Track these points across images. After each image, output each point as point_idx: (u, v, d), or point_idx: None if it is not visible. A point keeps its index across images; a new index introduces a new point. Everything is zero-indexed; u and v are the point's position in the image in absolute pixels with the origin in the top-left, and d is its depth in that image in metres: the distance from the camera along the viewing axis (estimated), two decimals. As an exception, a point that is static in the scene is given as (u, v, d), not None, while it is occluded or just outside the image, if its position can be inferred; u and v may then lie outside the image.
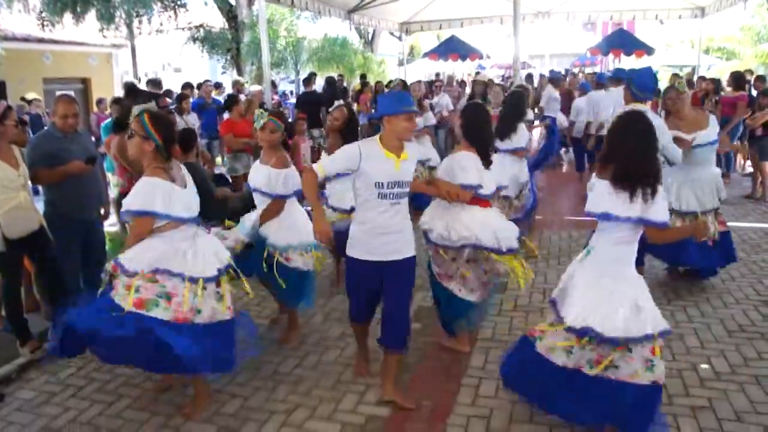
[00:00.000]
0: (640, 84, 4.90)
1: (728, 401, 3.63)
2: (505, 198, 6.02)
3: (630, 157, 3.01)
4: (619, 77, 8.34)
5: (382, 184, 3.40)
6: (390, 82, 8.84)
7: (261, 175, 4.31)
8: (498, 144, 5.83)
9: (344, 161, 3.41)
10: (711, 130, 5.08)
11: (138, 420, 3.59)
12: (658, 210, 2.99)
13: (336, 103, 5.43)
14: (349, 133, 5.09)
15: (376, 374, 3.99)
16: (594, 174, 3.29)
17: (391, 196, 3.44)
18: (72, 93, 15.91)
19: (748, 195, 8.93)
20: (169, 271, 3.32)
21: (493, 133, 4.39)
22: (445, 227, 4.03)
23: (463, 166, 4.01)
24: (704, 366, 4.06)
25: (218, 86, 13.18)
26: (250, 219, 4.46)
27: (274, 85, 14.28)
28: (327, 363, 4.25)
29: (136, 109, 3.54)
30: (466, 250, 4.05)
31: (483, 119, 4.15)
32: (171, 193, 3.37)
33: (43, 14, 16.02)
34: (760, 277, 5.70)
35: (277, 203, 4.32)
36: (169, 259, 3.35)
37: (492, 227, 4.03)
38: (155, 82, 9.87)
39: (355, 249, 3.59)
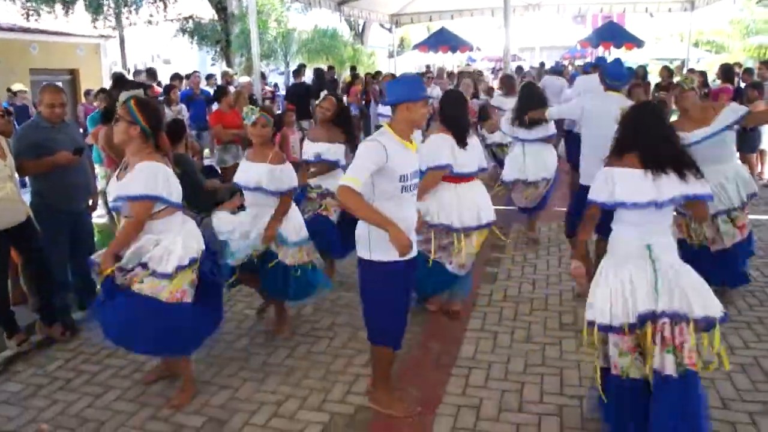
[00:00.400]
0: (612, 73, 5.01)
1: (715, 389, 3.66)
2: (533, 184, 6.38)
3: (658, 142, 3.03)
4: (599, 65, 8.39)
5: (406, 176, 3.19)
6: (377, 73, 8.79)
7: (256, 173, 4.21)
8: (526, 133, 6.32)
9: (373, 163, 3.08)
10: (714, 125, 4.50)
11: (127, 411, 3.57)
12: (702, 184, 3.00)
13: (322, 94, 5.40)
14: (341, 122, 5.09)
15: (366, 365, 4.01)
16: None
17: (412, 187, 3.26)
18: (60, 84, 15.85)
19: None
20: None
21: (468, 117, 4.75)
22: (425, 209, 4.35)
23: (434, 148, 4.30)
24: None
25: (209, 78, 13.08)
26: (240, 223, 4.31)
27: (263, 76, 14.19)
28: (317, 353, 4.24)
29: (123, 95, 3.49)
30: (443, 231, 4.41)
31: (459, 105, 4.51)
32: (170, 178, 3.37)
33: (29, 3, 15.83)
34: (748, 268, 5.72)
35: (288, 199, 4.30)
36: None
37: (472, 204, 4.45)
38: (150, 72, 9.78)
39: (380, 251, 3.19)
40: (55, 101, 4.60)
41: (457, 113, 4.43)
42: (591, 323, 3.06)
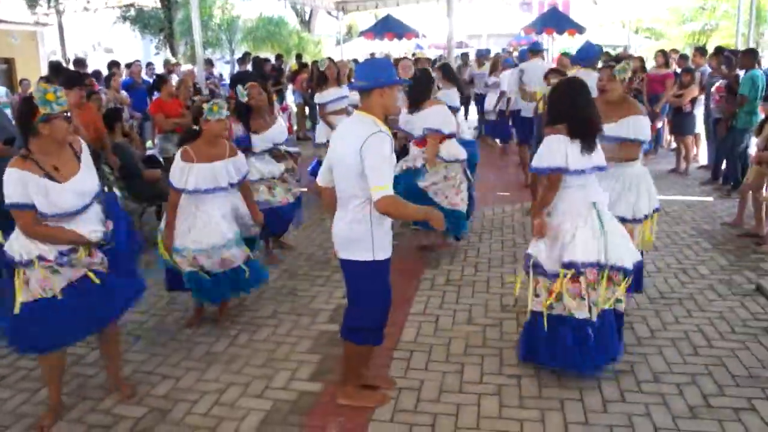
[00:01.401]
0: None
1: (647, 364, 3.81)
2: None
3: (583, 115, 3.51)
4: (535, 50, 8.67)
5: (394, 165, 3.08)
6: (315, 62, 8.72)
7: (215, 172, 4.15)
8: None
9: (392, 157, 3.03)
10: (615, 126, 4.17)
11: (67, 405, 3.50)
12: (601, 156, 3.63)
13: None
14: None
15: (309, 351, 4.04)
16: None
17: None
18: (-5, 73, 15.25)
19: (673, 169, 9.31)
20: None
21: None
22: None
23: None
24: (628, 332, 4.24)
25: (149, 66, 12.81)
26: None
27: (211, 64, 13.91)
28: (259, 341, 4.24)
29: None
30: None
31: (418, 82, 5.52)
32: None
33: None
34: (681, 247, 5.97)
35: (248, 184, 4.51)
36: None
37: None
38: (80, 62, 9.52)
39: (383, 249, 3.15)
40: None
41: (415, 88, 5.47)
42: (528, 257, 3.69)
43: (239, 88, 5.28)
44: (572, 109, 3.51)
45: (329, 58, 7.98)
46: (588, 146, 3.50)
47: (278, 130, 5.50)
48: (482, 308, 4.69)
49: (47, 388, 3.44)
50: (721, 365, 3.79)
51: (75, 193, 3.16)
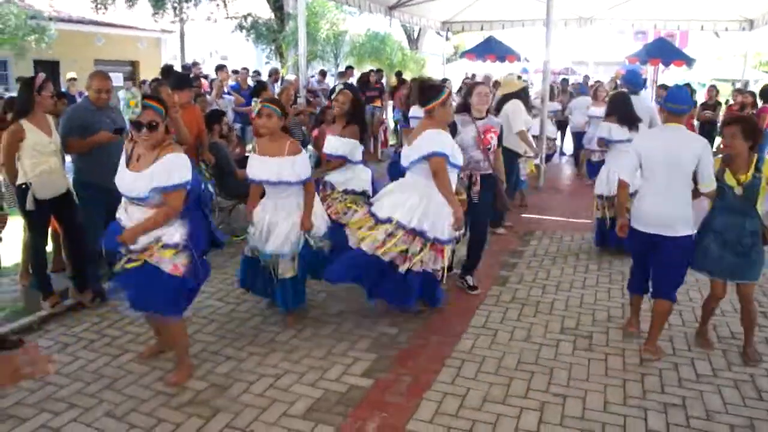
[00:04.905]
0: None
1: (702, 401, 3.73)
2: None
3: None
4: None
5: None
6: (415, 78, 8.98)
7: (275, 167, 4.32)
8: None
9: None
10: None
11: (139, 372, 3.88)
12: None
13: (337, 88, 5.64)
14: (355, 118, 5.37)
15: (366, 350, 4.23)
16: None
17: None
18: (121, 75, 16.61)
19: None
20: None
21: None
22: None
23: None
24: (686, 367, 4.15)
25: (255, 73, 13.49)
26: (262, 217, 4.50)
27: (323, 75, 14.46)
28: (321, 336, 4.48)
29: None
30: None
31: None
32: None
33: (97, -1, 16.65)
34: (765, 290, 5.71)
35: (312, 186, 4.48)
36: None
37: None
38: (185, 68, 10.24)
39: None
40: (102, 87, 4.98)
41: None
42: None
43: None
44: None
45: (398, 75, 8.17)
46: None
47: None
48: (542, 328, 4.72)
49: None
50: (787, 413, 3.65)
51: (130, 182, 3.54)
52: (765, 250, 4.15)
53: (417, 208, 4.40)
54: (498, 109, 6.47)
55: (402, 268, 4.40)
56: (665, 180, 4.11)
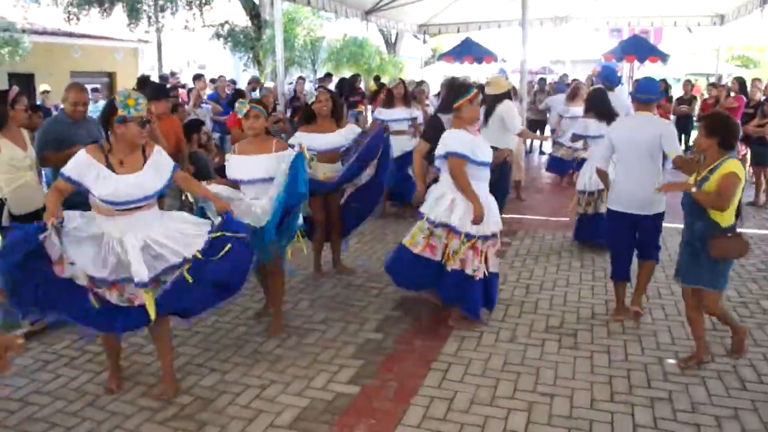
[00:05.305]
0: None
1: (687, 393, 3.75)
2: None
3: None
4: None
5: None
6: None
7: (262, 165, 4.33)
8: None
9: None
10: None
11: (123, 387, 3.83)
12: None
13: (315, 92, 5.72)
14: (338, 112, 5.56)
15: (352, 356, 4.21)
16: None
17: None
18: (98, 86, 16.45)
19: (751, 202, 8.97)
20: None
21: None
22: None
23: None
24: (670, 361, 4.18)
25: (231, 82, 13.41)
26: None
27: (303, 81, 14.39)
28: (306, 344, 4.45)
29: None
30: None
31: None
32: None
33: (69, 8, 16.49)
34: (745, 281, 5.78)
35: None
36: None
37: None
38: (164, 77, 10.18)
39: None
40: (78, 100, 4.93)
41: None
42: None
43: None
44: None
45: (399, 78, 8.21)
46: None
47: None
48: (527, 328, 4.72)
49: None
50: (771, 402, 3.68)
51: (127, 186, 3.44)
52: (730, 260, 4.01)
53: (445, 203, 4.52)
54: (488, 110, 6.47)
55: (449, 267, 4.51)
56: (636, 163, 4.51)
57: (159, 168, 3.63)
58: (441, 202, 4.54)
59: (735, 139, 3.95)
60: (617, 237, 4.78)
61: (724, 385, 3.85)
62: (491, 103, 6.63)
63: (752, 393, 3.77)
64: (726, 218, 3.85)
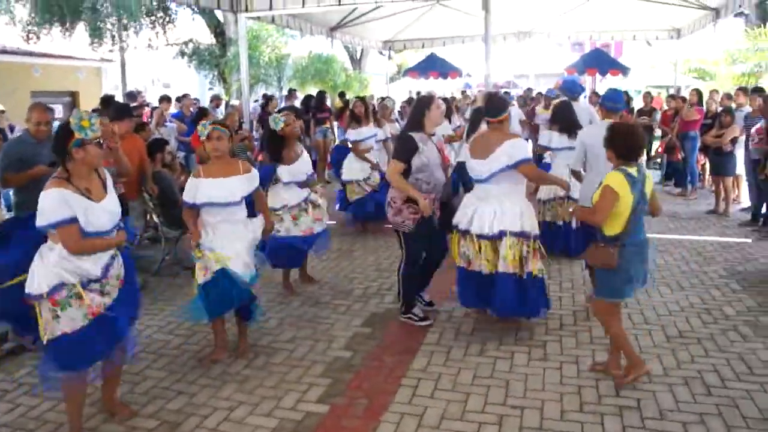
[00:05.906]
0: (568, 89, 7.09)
1: (655, 401, 3.79)
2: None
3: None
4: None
5: None
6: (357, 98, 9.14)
7: (234, 187, 4.27)
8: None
9: None
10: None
11: (85, 414, 3.71)
12: None
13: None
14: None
15: (321, 375, 4.17)
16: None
17: None
18: (60, 106, 16.17)
19: (711, 210, 9.17)
20: None
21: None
22: None
23: None
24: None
25: (195, 101, 13.18)
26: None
27: (270, 99, 14.35)
28: (274, 364, 4.39)
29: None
30: None
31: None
32: None
33: (29, 27, 16.23)
34: (708, 287, 5.88)
35: (263, 192, 4.80)
36: None
37: None
38: (131, 95, 10.07)
39: None
40: (41, 120, 4.86)
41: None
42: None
43: (274, 116, 5.51)
44: None
45: (358, 97, 8.23)
46: None
47: (304, 164, 5.65)
48: (496, 341, 4.73)
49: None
50: (734, 406, 3.72)
51: (107, 213, 3.38)
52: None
53: (517, 214, 4.65)
54: (473, 124, 6.52)
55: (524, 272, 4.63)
56: (605, 167, 4.41)
57: (112, 190, 3.54)
58: (518, 212, 4.66)
59: (630, 150, 3.83)
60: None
61: (690, 392, 3.90)
62: (476, 117, 6.67)
63: (717, 398, 3.82)
64: (609, 227, 3.84)
